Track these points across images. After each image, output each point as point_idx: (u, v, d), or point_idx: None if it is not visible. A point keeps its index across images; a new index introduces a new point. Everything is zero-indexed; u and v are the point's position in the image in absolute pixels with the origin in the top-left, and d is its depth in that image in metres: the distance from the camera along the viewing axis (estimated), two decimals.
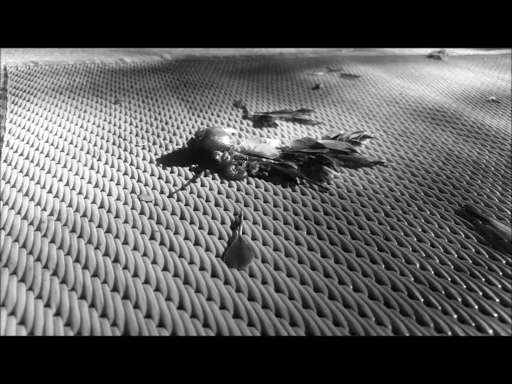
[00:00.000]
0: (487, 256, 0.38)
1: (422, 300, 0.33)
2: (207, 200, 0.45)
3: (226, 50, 1.13)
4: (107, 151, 0.55)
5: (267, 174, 0.50)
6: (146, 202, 0.44)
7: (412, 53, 1.20)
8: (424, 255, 0.38)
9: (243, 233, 0.40)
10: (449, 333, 0.31)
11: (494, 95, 0.84)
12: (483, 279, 0.36)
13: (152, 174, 0.50)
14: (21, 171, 0.49)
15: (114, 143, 0.57)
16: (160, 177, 0.49)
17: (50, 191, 0.45)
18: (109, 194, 0.45)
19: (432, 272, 0.36)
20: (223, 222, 0.42)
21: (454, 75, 0.98)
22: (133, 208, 0.43)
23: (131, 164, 0.52)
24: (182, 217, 0.42)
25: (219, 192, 0.47)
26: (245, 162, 0.51)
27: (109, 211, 0.42)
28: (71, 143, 0.56)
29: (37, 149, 0.54)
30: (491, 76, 0.98)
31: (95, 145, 0.56)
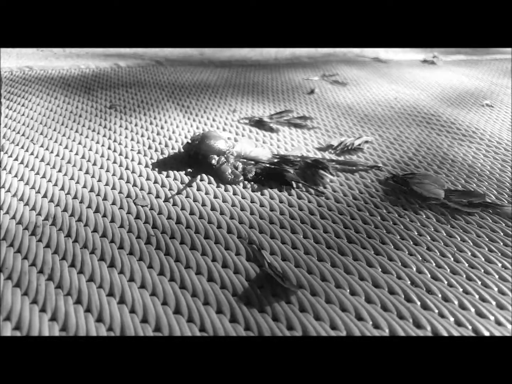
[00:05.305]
0: (483, 259, 0.39)
1: (418, 303, 0.33)
2: (203, 204, 0.45)
3: (221, 55, 1.13)
4: (102, 156, 0.54)
5: (263, 178, 0.50)
6: (142, 206, 0.44)
7: (406, 58, 1.21)
8: (420, 258, 0.38)
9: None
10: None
11: (488, 100, 0.84)
12: (479, 282, 0.36)
13: (147, 179, 0.50)
14: (15, 175, 0.48)
15: (109, 148, 0.57)
16: (155, 182, 0.49)
17: (45, 196, 0.45)
18: (105, 199, 0.45)
19: (429, 275, 0.36)
20: (219, 226, 0.41)
21: (448, 80, 0.99)
22: (128, 212, 0.43)
23: (127, 168, 0.52)
24: (178, 222, 0.42)
25: (215, 196, 0.47)
26: (241, 166, 0.51)
27: (104, 215, 0.42)
28: (66, 147, 0.56)
29: (32, 153, 0.54)
30: (484, 81, 0.99)
31: (90, 149, 0.56)
